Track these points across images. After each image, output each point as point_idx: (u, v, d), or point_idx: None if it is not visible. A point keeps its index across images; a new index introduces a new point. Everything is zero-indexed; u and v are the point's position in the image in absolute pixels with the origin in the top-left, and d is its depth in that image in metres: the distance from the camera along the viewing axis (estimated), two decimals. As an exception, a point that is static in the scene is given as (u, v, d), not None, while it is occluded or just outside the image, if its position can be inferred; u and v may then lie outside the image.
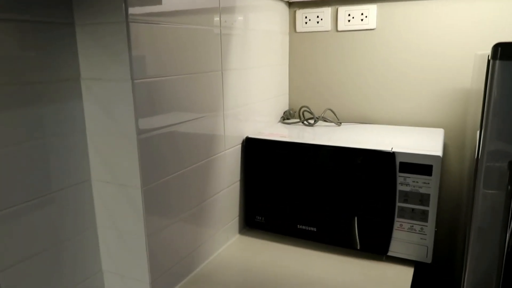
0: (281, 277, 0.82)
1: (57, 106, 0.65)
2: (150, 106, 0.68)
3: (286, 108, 1.21)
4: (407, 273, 0.84)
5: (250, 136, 0.98)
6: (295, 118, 1.19)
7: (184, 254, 0.81)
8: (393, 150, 0.83)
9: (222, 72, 0.86)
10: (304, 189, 0.93)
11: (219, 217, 0.92)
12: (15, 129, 0.59)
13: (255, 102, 1.02)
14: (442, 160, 1.04)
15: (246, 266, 0.87)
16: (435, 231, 0.85)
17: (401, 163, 0.83)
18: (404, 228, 0.86)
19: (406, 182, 0.84)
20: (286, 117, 1.17)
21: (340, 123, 1.11)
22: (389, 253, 0.88)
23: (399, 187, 0.84)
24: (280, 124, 1.14)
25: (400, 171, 0.84)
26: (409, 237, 0.85)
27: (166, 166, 0.73)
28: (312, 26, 1.14)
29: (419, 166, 0.82)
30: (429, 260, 0.85)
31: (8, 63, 0.58)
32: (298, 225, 0.95)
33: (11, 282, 0.61)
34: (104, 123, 0.68)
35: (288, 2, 1.14)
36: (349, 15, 1.09)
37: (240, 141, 0.97)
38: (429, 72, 1.04)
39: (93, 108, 0.68)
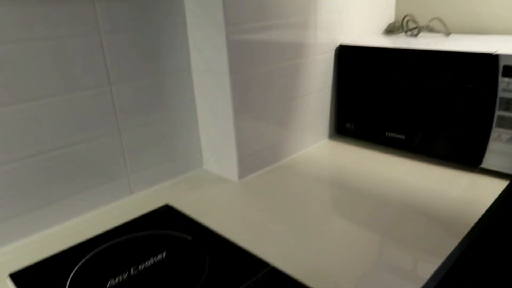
0: (361, 174, 0.86)
1: (163, 2, 0.77)
2: (238, 2, 0.75)
3: (392, 20, 1.16)
4: (498, 186, 0.79)
5: (343, 43, 0.99)
6: (401, 31, 1.13)
7: (270, 144, 0.90)
8: (497, 52, 0.76)
9: (315, -26, 0.88)
10: (396, 96, 0.91)
11: (307, 118, 0.98)
12: (131, 17, 0.74)
13: (353, 10, 1.01)
14: None
15: (329, 163, 0.93)
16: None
17: (505, 66, 0.76)
18: (502, 139, 0.79)
19: (509, 88, 0.76)
20: (390, 29, 1.13)
21: (450, 33, 1.02)
22: (483, 165, 0.83)
23: (501, 94, 0.77)
24: (381, 35, 1.10)
25: (503, 75, 0.76)
26: (508, 149, 0.79)
27: (253, 60, 0.81)
28: None
29: (526, 69, 0.74)
30: (528, 175, 0.78)
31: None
32: (387, 133, 0.96)
33: (133, 141, 0.79)
34: (200, 17, 0.78)
35: None
36: None
37: (334, 48, 0.99)
38: None
39: (191, 3, 0.79)
